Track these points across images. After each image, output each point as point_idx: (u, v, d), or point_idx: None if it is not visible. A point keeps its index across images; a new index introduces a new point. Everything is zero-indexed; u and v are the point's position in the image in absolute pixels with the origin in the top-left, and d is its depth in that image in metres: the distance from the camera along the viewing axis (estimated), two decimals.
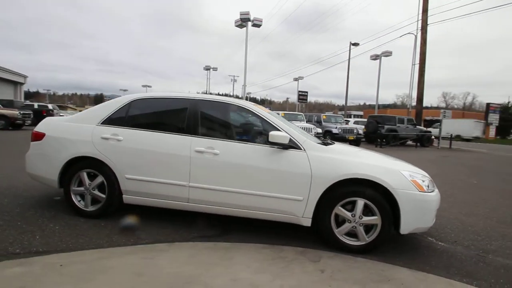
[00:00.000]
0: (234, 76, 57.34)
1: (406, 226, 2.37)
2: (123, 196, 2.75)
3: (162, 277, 1.87)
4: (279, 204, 2.50)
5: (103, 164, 2.72)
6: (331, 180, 2.38)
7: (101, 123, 2.83)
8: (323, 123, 15.29)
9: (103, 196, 2.77)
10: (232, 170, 2.54)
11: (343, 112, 36.17)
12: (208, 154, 2.56)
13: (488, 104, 25.76)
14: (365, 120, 18.97)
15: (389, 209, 2.36)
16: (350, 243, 2.44)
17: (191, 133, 2.67)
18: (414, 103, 20.11)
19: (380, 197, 2.37)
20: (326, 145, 2.70)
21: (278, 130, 2.58)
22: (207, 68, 33.15)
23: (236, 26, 16.37)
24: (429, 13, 18.22)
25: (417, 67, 19.41)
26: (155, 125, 2.84)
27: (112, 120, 2.83)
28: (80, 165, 2.79)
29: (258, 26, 16.09)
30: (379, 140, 14.21)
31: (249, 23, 15.59)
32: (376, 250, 2.44)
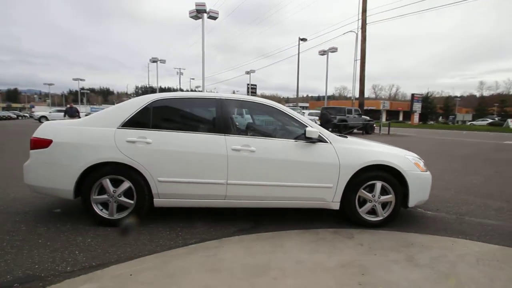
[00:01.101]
0: (180, 69, 55.06)
1: (413, 201, 2.89)
2: (154, 200, 2.68)
3: (237, 269, 1.99)
4: (311, 192, 2.78)
5: (130, 168, 2.60)
6: (356, 168, 2.75)
7: (121, 126, 2.68)
8: None
9: (131, 202, 2.65)
10: (268, 165, 2.71)
11: (291, 104, 37.97)
12: (245, 151, 2.67)
13: (412, 95, 30.16)
14: (317, 111, 20.44)
15: (400, 188, 2.85)
16: (370, 219, 2.86)
17: (224, 132, 2.74)
18: (351, 95, 22.48)
19: (393, 179, 2.83)
20: (343, 137, 3.06)
21: (306, 126, 2.83)
22: (154, 61, 31.03)
23: (191, 17, 15.80)
24: (368, 13, 20.35)
25: (358, 62, 21.64)
26: (183, 126, 2.81)
27: (133, 123, 2.70)
28: (101, 172, 2.60)
29: (214, 18, 15.80)
30: (331, 129, 15.60)
31: (205, 15, 15.21)
32: (390, 223, 2.91)
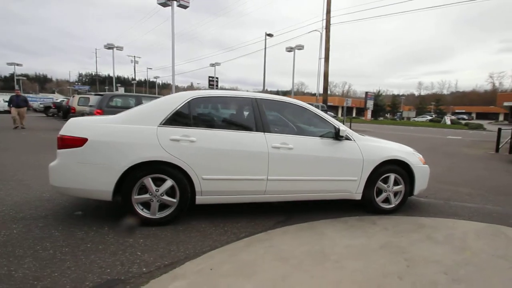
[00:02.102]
0: (135, 57, 51.49)
1: (417, 189, 3.39)
2: (197, 197, 2.72)
3: (300, 256, 2.19)
4: (339, 185, 3.09)
5: (174, 167, 2.60)
6: (376, 162, 3.13)
7: (163, 124, 2.65)
8: None
9: (174, 200, 2.66)
10: (304, 161, 2.94)
11: None
12: (283, 149, 2.85)
13: (366, 93, 32.85)
14: None
15: (408, 179, 3.32)
16: (385, 207, 3.28)
17: (263, 131, 2.88)
18: (307, 91, 23.68)
19: (404, 171, 3.29)
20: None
21: (332, 124, 3.11)
22: (110, 47, 28.41)
23: (159, 4, 14.94)
24: (332, 14, 21.51)
25: (322, 61, 22.83)
26: (222, 124, 2.88)
27: (174, 120, 2.69)
28: (143, 171, 2.55)
29: (185, 7, 15.17)
30: None
31: (175, 3, 14.51)
32: (400, 209, 3.38)
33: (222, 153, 2.71)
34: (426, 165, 3.49)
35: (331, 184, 3.05)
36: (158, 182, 2.61)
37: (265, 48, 27.93)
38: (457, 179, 5.36)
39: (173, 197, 2.66)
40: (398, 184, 3.30)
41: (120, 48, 29.80)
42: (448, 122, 32.14)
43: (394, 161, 3.23)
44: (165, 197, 2.64)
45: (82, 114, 9.24)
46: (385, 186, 3.24)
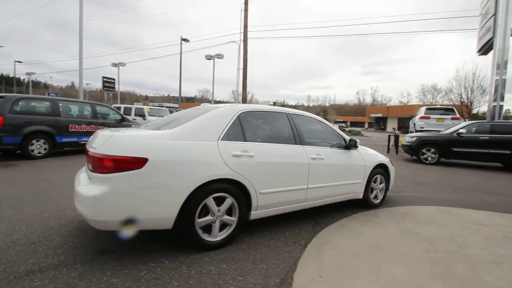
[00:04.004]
0: None
1: (391, 186, 4.35)
2: (252, 212, 2.68)
3: (363, 250, 2.56)
4: (351, 187, 3.64)
5: (235, 184, 2.51)
6: (372, 166, 3.86)
7: (221, 139, 2.51)
8: (147, 116, 13.10)
9: (233, 219, 2.55)
10: (332, 169, 3.34)
11: (156, 104, 35.52)
12: (318, 159, 3.17)
13: (274, 103, 36.61)
14: None
15: (387, 178, 4.22)
16: (375, 202, 4.06)
17: (300, 143, 3.11)
18: (216, 99, 24.83)
19: (384, 172, 4.17)
20: None
21: (341, 136, 3.65)
22: None
23: None
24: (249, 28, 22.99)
25: (241, 71, 24.03)
26: (268, 138, 2.93)
27: (229, 135, 2.59)
28: (206, 191, 2.35)
29: None
30: None
31: None
32: (383, 203, 4.23)
33: (275, 166, 2.79)
34: (393, 166, 4.51)
35: (347, 187, 3.57)
36: (220, 201, 2.45)
37: (180, 54, 26.93)
38: (399, 176, 6.93)
39: (232, 215, 2.55)
40: (381, 183, 4.15)
41: None
42: None
43: (380, 165, 4.06)
44: (225, 216, 2.50)
45: None
46: (375, 185, 4.02)
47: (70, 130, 7.64)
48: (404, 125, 37.16)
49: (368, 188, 3.87)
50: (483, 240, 2.99)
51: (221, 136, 2.53)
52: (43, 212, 3.20)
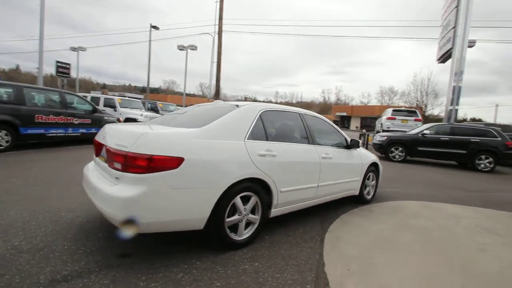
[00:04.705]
0: None
1: (380, 181, 4.69)
2: (272, 210, 2.73)
3: (372, 243, 2.78)
4: (351, 185, 3.87)
5: (260, 182, 2.53)
6: (367, 165, 4.13)
7: (247, 139, 2.50)
8: (119, 108, 12.13)
9: (256, 217, 2.57)
10: (338, 168, 3.51)
11: (116, 93, 32.58)
12: (327, 158, 3.31)
13: (245, 98, 36.59)
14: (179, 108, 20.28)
15: (378, 175, 4.55)
16: (368, 198, 4.36)
17: (313, 143, 3.22)
18: (178, 90, 24.29)
19: (375, 170, 4.49)
20: None
21: (343, 136, 3.85)
22: None
23: None
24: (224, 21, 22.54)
25: (212, 64, 23.52)
26: (286, 137, 2.98)
27: (254, 135, 2.60)
28: (235, 190, 2.34)
29: None
30: None
31: None
32: (374, 199, 4.55)
33: (293, 165, 2.86)
34: (381, 165, 4.87)
35: (348, 184, 3.78)
36: (245, 200, 2.46)
37: (149, 42, 25.44)
38: None
39: (255, 214, 2.58)
40: (373, 180, 4.46)
41: None
42: None
43: (372, 163, 4.36)
44: (250, 215, 2.52)
45: None
46: (368, 182, 4.32)
47: (36, 121, 6.88)
48: (366, 124, 39.79)
49: (363, 185, 4.15)
50: (463, 231, 3.40)
51: (247, 135, 2.52)
52: (35, 214, 2.90)
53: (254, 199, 2.51)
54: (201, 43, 26.13)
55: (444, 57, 14.15)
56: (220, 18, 22.18)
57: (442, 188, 6.05)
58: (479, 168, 9.03)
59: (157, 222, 1.99)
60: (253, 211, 2.56)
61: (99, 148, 2.54)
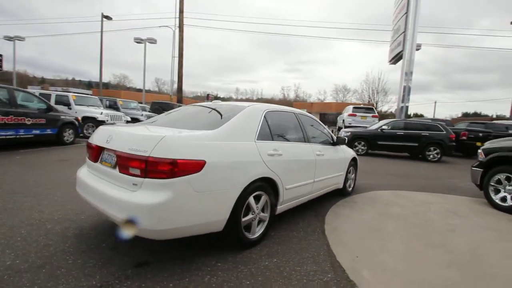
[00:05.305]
0: None
1: (357, 175, 5.10)
2: (278, 207, 2.83)
3: (362, 232, 3.06)
4: (338, 179, 4.15)
5: (270, 182, 2.61)
6: (349, 159, 4.47)
7: (256, 139, 2.56)
8: (74, 106, 11.02)
9: (266, 215, 2.65)
10: (328, 164, 3.74)
11: (59, 88, 29.32)
12: (320, 156, 3.51)
13: (208, 95, 35.85)
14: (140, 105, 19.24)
15: (356, 169, 4.94)
16: (349, 190, 4.71)
17: (308, 141, 3.39)
18: (130, 85, 23.24)
19: (355, 164, 4.86)
20: None
21: (330, 133, 4.11)
22: None
23: None
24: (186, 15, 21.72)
25: (173, 58, 22.59)
26: (288, 137, 3.09)
27: (261, 135, 2.66)
28: (250, 190, 2.39)
29: None
30: None
31: None
32: (353, 190, 4.92)
33: (296, 163, 2.99)
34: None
35: (335, 179, 4.05)
36: (256, 199, 2.52)
37: (101, 32, 23.39)
38: None
39: (265, 212, 2.65)
40: (353, 174, 4.83)
41: None
42: None
43: (353, 158, 4.72)
44: (261, 213, 2.58)
45: None
46: (349, 175, 4.67)
47: None
48: (324, 120, 42.09)
49: (345, 179, 4.47)
50: (435, 215, 3.91)
51: (256, 136, 2.57)
52: (16, 229, 2.59)
53: (264, 198, 2.58)
54: (156, 36, 24.75)
55: (395, 59, 15.64)
56: (181, 11, 21.36)
57: (405, 178, 6.77)
58: (429, 158, 10.25)
59: (182, 227, 1.94)
60: (262, 210, 2.63)
61: (97, 152, 2.37)
